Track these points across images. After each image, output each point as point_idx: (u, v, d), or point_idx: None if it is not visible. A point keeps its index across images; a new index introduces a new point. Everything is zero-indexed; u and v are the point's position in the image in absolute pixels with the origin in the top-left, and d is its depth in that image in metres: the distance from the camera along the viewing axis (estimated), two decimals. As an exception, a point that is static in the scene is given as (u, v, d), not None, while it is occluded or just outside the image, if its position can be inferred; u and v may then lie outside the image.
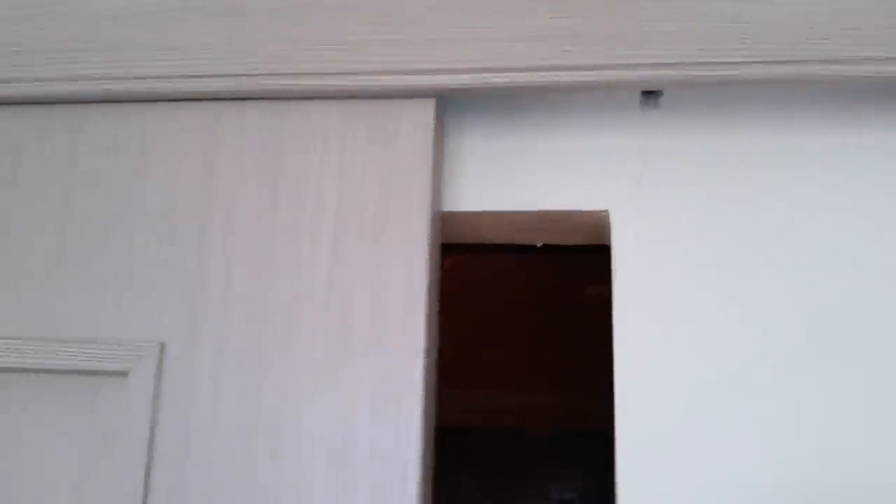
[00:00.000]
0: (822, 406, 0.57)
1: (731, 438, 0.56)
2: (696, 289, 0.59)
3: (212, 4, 0.61)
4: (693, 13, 0.57)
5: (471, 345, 1.14)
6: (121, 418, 0.56)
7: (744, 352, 0.58)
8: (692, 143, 0.62)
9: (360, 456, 0.53)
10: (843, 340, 0.58)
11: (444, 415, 0.62)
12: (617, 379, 0.58)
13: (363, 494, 0.53)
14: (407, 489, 0.52)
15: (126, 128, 0.62)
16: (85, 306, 0.59)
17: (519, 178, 0.63)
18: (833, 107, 0.62)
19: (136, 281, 0.59)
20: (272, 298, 0.57)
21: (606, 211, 0.61)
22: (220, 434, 0.55)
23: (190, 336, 0.57)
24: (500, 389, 1.26)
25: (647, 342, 0.59)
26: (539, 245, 0.68)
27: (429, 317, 0.56)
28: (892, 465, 0.55)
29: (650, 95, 0.62)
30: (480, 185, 0.63)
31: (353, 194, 0.58)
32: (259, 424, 0.55)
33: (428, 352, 0.56)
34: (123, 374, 0.57)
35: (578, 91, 0.60)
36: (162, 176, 0.60)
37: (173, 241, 0.59)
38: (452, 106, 0.63)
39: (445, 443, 0.64)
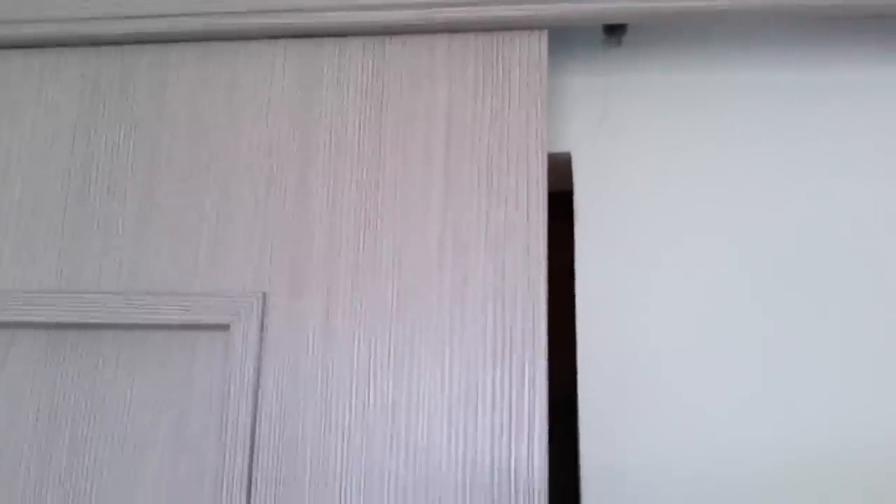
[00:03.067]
0: (803, 362, 0.54)
1: (696, 394, 0.54)
2: (662, 232, 0.57)
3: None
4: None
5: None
6: (223, 373, 0.53)
7: (713, 296, 0.56)
8: (656, 81, 0.59)
9: (483, 403, 0.51)
10: (814, 279, 0.55)
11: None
12: (579, 331, 0.56)
13: (486, 438, 0.50)
14: (535, 432, 0.50)
15: (217, 66, 0.58)
16: (180, 258, 0.55)
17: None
18: (805, 43, 0.59)
19: (233, 229, 0.55)
20: (382, 246, 0.54)
21: (568, 153, 0.59)
22: (328, 389, 0.52)
23: (294, 286, 0.54)
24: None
25: (609, 290, 0.56)
26: None
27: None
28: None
29: (613, 32, 0.59)
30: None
31: (464, 135, 0.55)
32: (372, 379, 0.52)
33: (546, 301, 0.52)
34: (224, 327, 0.54)
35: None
36: (257, 117, 0.57)
37: (272, 186, 0.56)
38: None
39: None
